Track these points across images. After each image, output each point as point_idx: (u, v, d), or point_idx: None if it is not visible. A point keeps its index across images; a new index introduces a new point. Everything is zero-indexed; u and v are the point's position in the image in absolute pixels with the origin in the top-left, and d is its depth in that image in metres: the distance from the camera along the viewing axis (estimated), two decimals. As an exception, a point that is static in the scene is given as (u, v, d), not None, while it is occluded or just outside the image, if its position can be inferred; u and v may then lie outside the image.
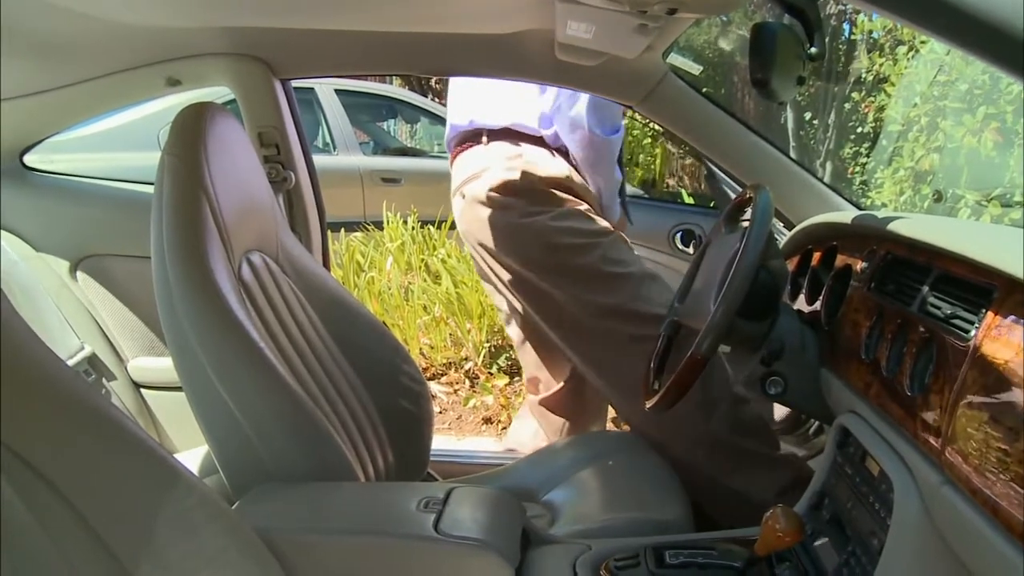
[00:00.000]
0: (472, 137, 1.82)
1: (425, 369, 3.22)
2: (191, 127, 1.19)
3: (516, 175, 1.70)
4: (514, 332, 2.00)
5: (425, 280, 3.53)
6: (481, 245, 1.74)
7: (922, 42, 3.56)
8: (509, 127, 1.77)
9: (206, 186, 1.15)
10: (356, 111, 5.05)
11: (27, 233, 1.92)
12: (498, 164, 1.73)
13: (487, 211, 1.70)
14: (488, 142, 1.78)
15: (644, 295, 1.61)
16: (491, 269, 1.78)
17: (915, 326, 0.94)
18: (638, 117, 1.87)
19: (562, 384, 1.95)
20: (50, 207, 1.96)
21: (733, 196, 1.96)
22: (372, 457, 1.36)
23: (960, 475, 0.78)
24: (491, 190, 1.70)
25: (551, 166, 1.72)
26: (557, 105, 1.74)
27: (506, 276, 1.74)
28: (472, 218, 1.74)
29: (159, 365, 1.95)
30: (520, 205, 1.68)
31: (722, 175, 2.00)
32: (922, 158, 3.20)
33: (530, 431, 2.09)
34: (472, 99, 1.84)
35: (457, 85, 1.93)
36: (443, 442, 2.46)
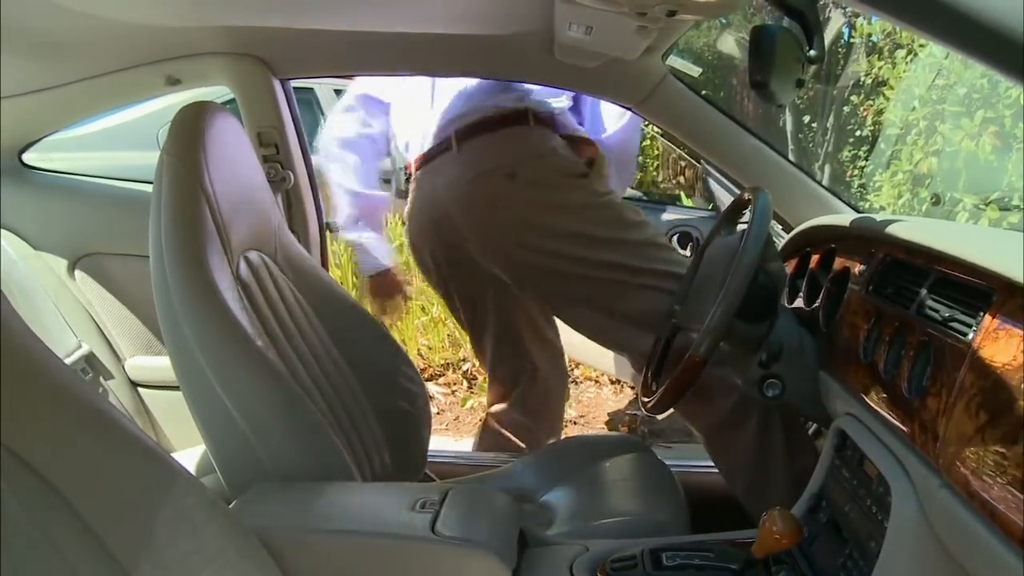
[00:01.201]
0: (519, 118, 1.68)
1: (423, 370, 3.22)
2: (190, 126, 1.19)
3: (583, 157, 1.70)
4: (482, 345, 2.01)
5: (424, 280, 3.53)
6: (526, 228, 1.64)
7: (921, 45, 3.56)
8: (557, 115, 1.73)
9: (205, 186, 1.15)
10: (355, 111, 5.04)
11: (26, 231, 1.92)
12: (560, 147, 1.69)
13: (552, 192, 1.64)
14: (535, 125, 1.69)
15: (679, 260, 1.69)
16: (511, 256, 1.68)
17: (913, 329, 0.94)
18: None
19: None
20: (49, 206, 1.95)
21: (720, 195, 1.97)
22: (369, 457, 1.36)
23: (958, 478, 0.78)
24: (561, 171, 1.66)
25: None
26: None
27: (546, 262, 1.65)
28: (515, 201, 1.64)
29: (156, 364, 1.95)
30: (594, 185, 1.68)
31: (719, 176, 2.00)
32: (920, 161, 3.20)
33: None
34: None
35: None
36: (441, 443, 2.46)
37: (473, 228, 1.68)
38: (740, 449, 1.57)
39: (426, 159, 1.74)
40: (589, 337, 1.79)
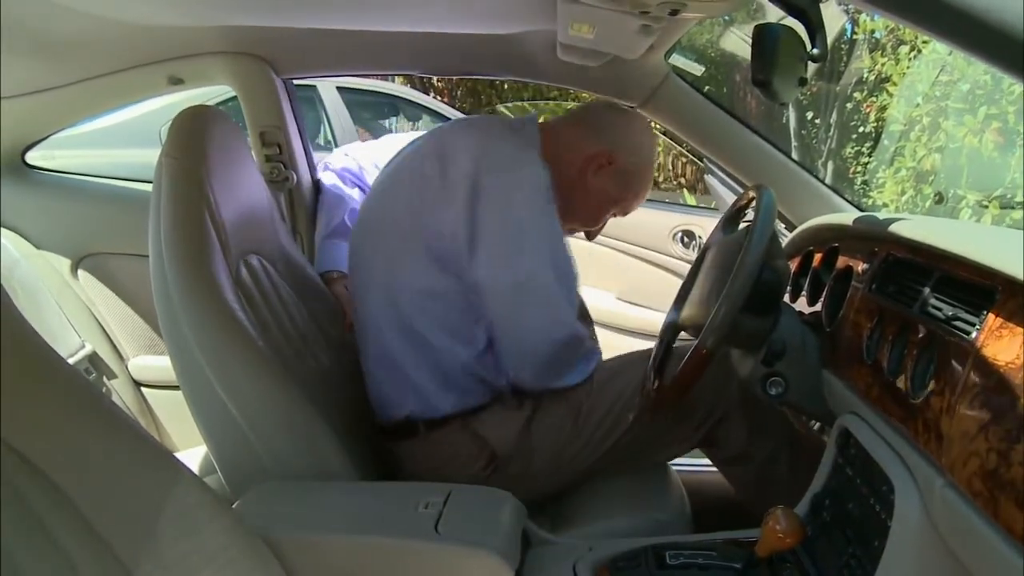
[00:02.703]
0: (404, 431, 1.35)
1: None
2: (189, 130, 1.19)
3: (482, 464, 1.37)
4: None
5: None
6: None
7: (924, 42, 3.56)
8: (453, 413, 1.35)
9: (204, 189, 1.15)
10: (358, 109, 5.04)
11: (28, 231, 1.93)
12: (475, 450, 1.36)
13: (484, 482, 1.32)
14: (427, 432, 1.34)
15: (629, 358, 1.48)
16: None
17: (916, 328, 0.94)
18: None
19: None
20: (51, 205, 1.96)
21: (723, 194, 1.96)
22: (371, 457, 1.36)
23: (961, 477, 0.77)
24: (474, 471, 1.36)
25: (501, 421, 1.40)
26: None
27: None
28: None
29: (159, 364, 1.95)
30: (514, 464, 1.39)
31: (720, 175, 2.00)
32: (924, 158, 3.20)
33: None
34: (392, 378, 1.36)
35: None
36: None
37: None
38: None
39: None
40: None
